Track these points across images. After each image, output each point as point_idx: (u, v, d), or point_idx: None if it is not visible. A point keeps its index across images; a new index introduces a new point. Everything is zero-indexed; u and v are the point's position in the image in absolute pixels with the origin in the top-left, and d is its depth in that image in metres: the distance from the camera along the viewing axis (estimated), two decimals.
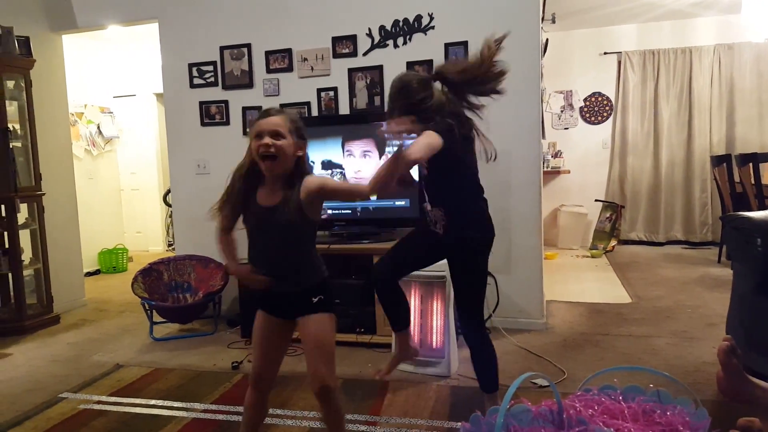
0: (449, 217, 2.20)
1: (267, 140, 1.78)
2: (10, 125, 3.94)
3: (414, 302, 3.05)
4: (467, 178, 2.27)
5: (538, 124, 3.57)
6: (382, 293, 2.32)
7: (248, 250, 1.96)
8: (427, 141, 1.96)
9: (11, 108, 4.03)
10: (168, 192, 5.40)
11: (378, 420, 2.47)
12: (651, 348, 3.24)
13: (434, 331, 3.01)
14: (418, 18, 3.61)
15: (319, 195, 1.86)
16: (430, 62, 3.58)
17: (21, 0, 4.29)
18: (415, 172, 2.54)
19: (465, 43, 3.54)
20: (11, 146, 3.93)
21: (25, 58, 4.10)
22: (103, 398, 2.81)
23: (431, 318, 3.02)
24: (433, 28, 3.59)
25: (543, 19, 4.16)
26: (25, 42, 4.17)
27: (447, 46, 3.56)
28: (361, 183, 2.27)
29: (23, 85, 4.07)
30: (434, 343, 3.00)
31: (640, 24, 6.45)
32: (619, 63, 6.56)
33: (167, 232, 7.10)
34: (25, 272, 4.07)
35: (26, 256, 4.10)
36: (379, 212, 3.49)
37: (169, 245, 7.01)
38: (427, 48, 3.61)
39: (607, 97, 6.68)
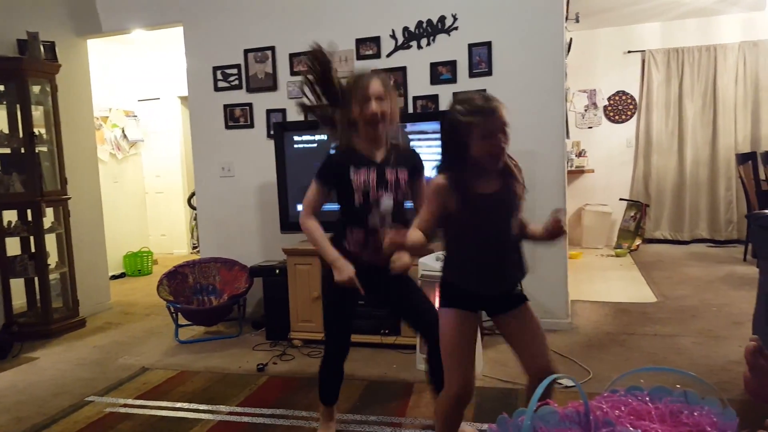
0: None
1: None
2: (36, 130, 3.99)
3: (438, 303, 3.02)
4: None
5: (562, 123, 3.53)
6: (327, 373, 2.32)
7: (461, 249, 1.77)
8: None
9: (37, 113, 4.07)
10: (192, 195, 5.44)
11: (402, 421, 2.46)
12: (677, 347, 3.20)
13: None
14: (442, 19, 3.59)
15: None
16: (453, 63, 3.56)
17: (47, 5, 4.36)
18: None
19: (488, 44, 3.51)
20: (37, 151, 3.98)
21: (50, 63, 4.16)
22: (130, 401, 2.82)
23: None
24: (456, 28, 3.57)
25: (567, 18, 4.12)
26: (50, 47, 4.23)
27: (470, 46, 3.54)
28: None
29: (49, 89, 4.11)
30: None
31: (664, 22, 6.37)
32: (643, 62, 6.48)
33: (191, 234, 7.16)
34: (51, 276, 4.10)
35: (52, 260, 4.14)
36: (410, 212, 3.46)
37: (194, 248, 7.07)
38: (451, 49, 3.59)
39: (631, 96, 6.60)
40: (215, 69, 4.11)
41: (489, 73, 3.51)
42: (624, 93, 6.61)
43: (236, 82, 4.07)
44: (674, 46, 6.35)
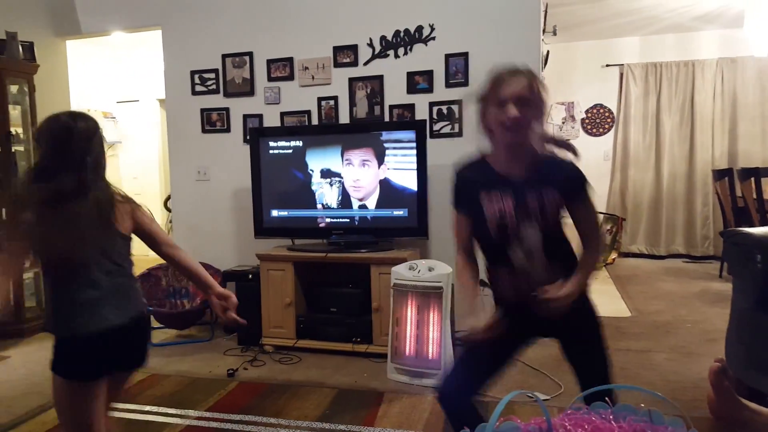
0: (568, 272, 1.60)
1: None
2: (12, 129, 3.96)
3: (410, 312, 3.04)
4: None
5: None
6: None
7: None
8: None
9: (14, 112, 4.05)
10: (169, 197, 5.40)
11: (371, 431, 2.46)
12: (649, 363, 3.22)
13: (431, 341, 3.00)
14: (419, 29, 3.62)
15: None
16: (430, 73, 3.59)
17: (26, 5, 4.32)
18: None
19: (465, 54, 3.54)
20: (13, 150, 3.95)
21: (29, 63, 4.13)
22: None
23: (427, 329, 3.01)
24: (434, 38, 3.59)
25: (544, 31, 4.17)
26: (29, 47, 4.20)
27: (447, 57, 3.57)
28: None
29: (27, 89, 4.10)
30: (431, 354, 2.99)
31: (642, 36, 6.46)
32: (622, 75, 6.57)
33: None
34: (24, 276, 4.06)
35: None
36: (377, 221, 3.48)
37: None
38: (428, 58, 3.61)
39: (609, 109, 6.68)
40: (193, 73, 4.10)
41: (465, 83, 3.54)
42: (602, 106, 6.70)
43: (213, 86, 4.07)
44: (653, 61, 6.45)
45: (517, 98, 1.52)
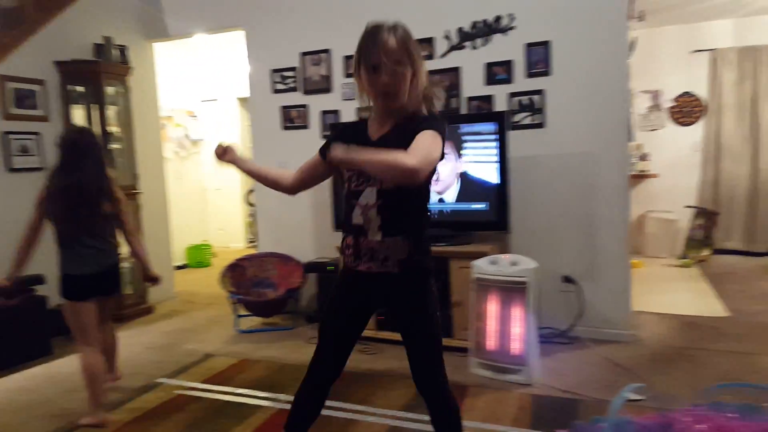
0: (411, 246, 1.61)
1: None
2: (109, 128, 4.25)
3: (493, 308, 3.01)
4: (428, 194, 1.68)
5: (624, 125, 3.43)
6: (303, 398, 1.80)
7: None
8: (432, 148, 1.44)
9: (111, 112, 4.33)
10: (250, 191, 5.61)
11: None
12: (753, 367, 3.00)
13: (514, 337, 2.95)
14: (498, 19, 3.55)
15: None
16: (509, 63, 3.53)
17: (119, 11, 4.61)
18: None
19: (547, 43, 3.45)
20: (111, 148, 4.23)
21: (123, 66, 4.41)
22: (196, 385, 2.99)
23: (511, 324, 2.97)
24: (513, 28, 3.52)
25: (631, 16, 3.99)
26: (123, 51, 4.47)
27: (528, 46, 3.49)
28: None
29: (122, 90, 4.37)
30: (514, 350, 2.94)
31: (736, 19, 6.04)
32: (712, 61, 6.18)
33: (248, 229, 7.39)
34: (123, 265, 4.35)
35: (123, 249, 4.38)
36: (455, 215, 3.47)
37: (250, 242, 7.29)
38: (507, 49, 3.54)
39: (698, 98, 6.30)
40: (274, 71, 4.23)
41: (547, 73, 3.45)
42: (690, 94, 6.32)
43: (293, 84, 4.18)
44: (748, 45, 6.02)
45: (389, 61, 1.49)
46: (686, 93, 6.34)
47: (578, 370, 3.04)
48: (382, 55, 1.49)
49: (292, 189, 1.82)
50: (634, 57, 4.76)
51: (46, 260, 3.85)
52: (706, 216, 5.98)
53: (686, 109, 6.37)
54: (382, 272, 1.61)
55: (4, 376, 3.20)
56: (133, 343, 3.75)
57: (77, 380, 3.02)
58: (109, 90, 4.31)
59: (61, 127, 4.07)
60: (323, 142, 1.77)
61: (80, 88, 4.23)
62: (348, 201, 1.62)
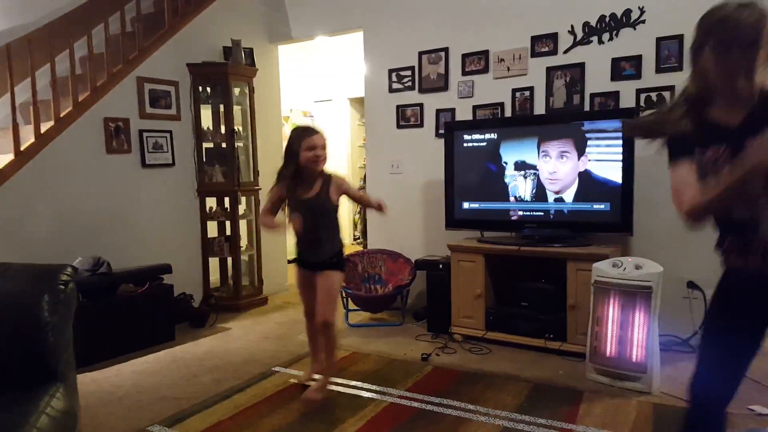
0: None
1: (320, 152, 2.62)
2: (235, 127, 4.52)
3: (613, 312, 2.89)
4: None
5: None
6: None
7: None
8: None
9: (236, 112, 4.59)
10: (360, 188, 5.74)
11: (575, 428, 2.39)
12: None
13: (635, 344, 2.82)
14: (627, 12, 3.40)
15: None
16: (638, 58, 3.36)
17: (247, 15, 4.89)
18: None
19: (680, 38, 3.25)
20: (236, 146, 4.50)
21: (249, 68, 4.67)
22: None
23: (632, 330, 2.83)
24: (643, 22, 3.36)
25: None
26: (249, 53, 4.75)
27: (659, 40, 3.31)
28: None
29: (247, 91, 4.64)
30: (635, 357, 2.81)
31: None
32: None
33: (354, 226, 7.58)
34: (241, 257, 4.63)
35: (242, 243, 4.67)
36: (574, 215, 3.36)
37: (355, 239, 7.47)
38: (636, 43, 3.38)
39: None
40: (390, 71, 4.32)
41: (679, 68, 3.25)
42: None
43: (409, 83, 4.24)
44: None
45: (743, 41, 1.35)
46: None
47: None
48: (738, 31, 1.38)
49: None
50: None
51: (176, 250, 4.24)
52: None
53: None
54: None
55: (132, 359, 3.42)
56: (250, 332, 3.96)
57: (198, 365, 3.28)
58: (236, 90, 4.57)
59: (191, 125, 4.39)
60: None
61: (209, 89, 4.55)
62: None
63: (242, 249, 4.64)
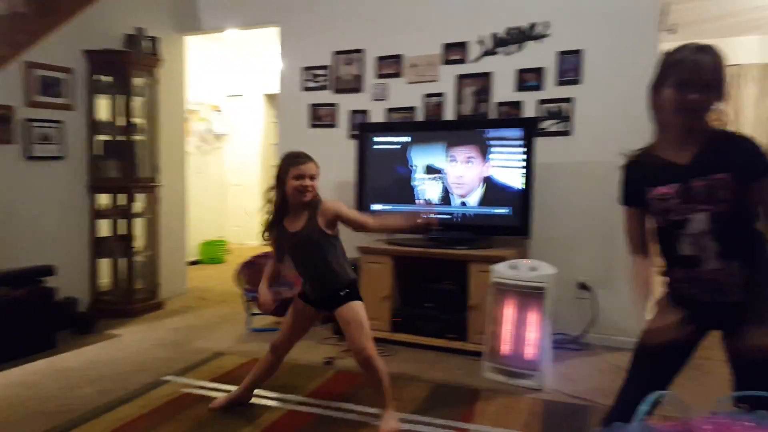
0: (748, 272, 1.54)
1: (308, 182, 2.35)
2: (134, 120, 4.24)
3: (510, 312, 2.98)
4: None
5: (651, 135, 3.39)
6: None
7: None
8: None
9: (137, 104, 4.31)
10: (271, 188, 5.60)
11: (469, 428, 2.43)
12: None
13: (529, 342, 2.93)
14: (532, 26, 3.55)
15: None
16: (540, 70, 3.52)
17: (153, 3, 4.64)
18: None
19: (579, 52, 3.44)
20: (134, 139, 4.22)
21: (153, 58, 4.42)
22: (204, 383, 2.92)
23: (526, 329, 2.94)
24: (547, 36, 3.52)
25: (663, 28, 3.97)
26: (154, 42, 4.49)
27: (560, 54, 3.48)
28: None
29: (150, 82, 4.37)
30: (529, 355, 2.92)
31: (762, 36, 6.01)
32: (736, 76, 6.13)
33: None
34: (136, 259, 4.32)
35: (138, 243, 4.37)
36: (478, 219, 3.45)
37: (266, 240, 7.29)
38: (539, 56, 3.54)
39: (722, 111, 6.24)
40: (305, 69, 4.25)
41: (577, 81, 3.43)
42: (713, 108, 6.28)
43: (324, 82, 4.19)
44: None
45: (701, 79, 1.47)
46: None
47: (589, 377, 3.03)
48: (695, 73, 1.48)
49: None
50: None
51: (62, 250, 3.92)
52: None
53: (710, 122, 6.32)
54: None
55: (5, 370, 3.08)
56: (142, 339, 3.71)
57: (80, 376, 3.01)
58: (137, 81, 4.30)
59: (85, 116, 4.09)
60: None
61: (108, 78, 4.23)
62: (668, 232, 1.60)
63: (138, 250, 4.35)
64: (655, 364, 1.70)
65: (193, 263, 6.36)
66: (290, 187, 2.36)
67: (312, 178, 2.37)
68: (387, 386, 2.40)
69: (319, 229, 2.37)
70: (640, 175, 1.64)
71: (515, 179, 3.31)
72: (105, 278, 4.32)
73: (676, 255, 1.60)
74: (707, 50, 1.49)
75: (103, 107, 4.26)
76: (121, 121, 4.21)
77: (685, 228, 1.55)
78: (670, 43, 5.28)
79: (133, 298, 4.24)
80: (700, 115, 1.51)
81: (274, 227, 2.47)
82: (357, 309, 2.41)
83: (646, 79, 3.34)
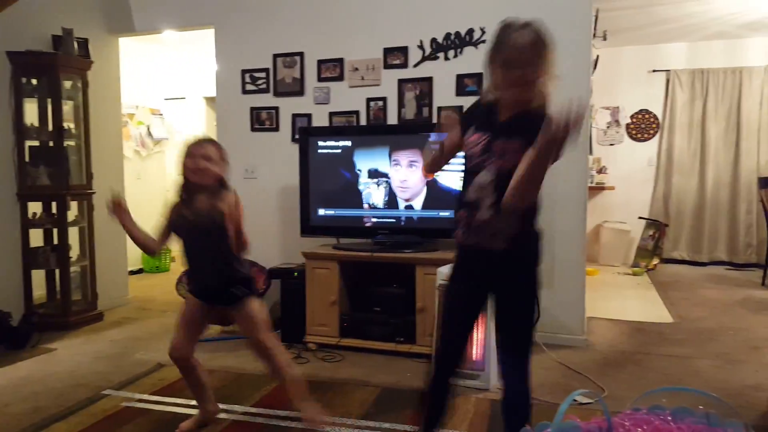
0: (521, 223, 1.76)
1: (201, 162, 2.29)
2: (65, 124, 4.06)
3: None
4: None
5: (585, 139, 3.54)
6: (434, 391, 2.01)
7: None
8: None
9: (67, 107, 4.14)
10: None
11: (416, 430, 2.45)
12: (693, 369, 3.19)
13: (475, 343, 2.98)
14: (470, 32, 3.61)
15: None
16: (479, 75, 3.58)
17: (82, 3, 4.44)
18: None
19: None
20: (65, 145, 4.04)
21: (83, 59, 4.24)
22: (145, 396, 2.85)
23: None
24: (484, 41, 3.58)
25: (594, 35, 4.13)
26: (83, 44, 4.31)
27: None
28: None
29: (80, 85, 4.18)
30: (474, 356, 2.97)
31: (690, 43, 6.35)
32: (668, 81, 6.45)
33: None
34: (72, 269, 4.14)
35: (74, 252, 4.19)
36: (423, 222, 3.49)
37: None
38: (478, 61, 3.58)
39: (654, 115, 6.57)
40: (244, 72, 4.17)
41: None
42: (647, 112, 6.59)
43: (264, 85, 4.12)
44: (699, 67, 6.33)
45: (520, 59, 1.64)
46: (643, 110, 6.61)
47: (533, 375, 3.09)
48: (517, 52, 1.65)
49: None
50: (596, 74, 4.92)
51: None
52: (657, 227, 6.25)
53: (643, 126, 6.63)
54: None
55: None
56: (80, 352, 3.56)
57: (12, 394, 2.88)
58: (67, 84, 4.12)
59: (10, 121, 3.89)
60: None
61: (34, 81, 4.05)
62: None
63: (73, 259, 4.17)
64: (451, 319, 1.96)
65: (136, 272, 6.15)
66: (183, 166, 2.33)
67: (204, 157, 2.28)
68: (288, 372, 2.42)
69: (221, 214, 2.23)
70: (474, 116, 1.86)
71: (458, 182, 3.35)
72: (39, 290, 4.12)
73: (465, 199, 1.82)
74: (528, 28, 1.67)
75: (31, 111, 4.06)
76: (50, 126, 4.02)
77: (477, 176, 1.77)
78: (601, 50, 5.52)
79: (69, 310, 4.06)
80: (525, 89, 1.67)
81: (174, 209, 2.41)
82: (254, 306, 2.41)
83: (580, 84, 3.50)
